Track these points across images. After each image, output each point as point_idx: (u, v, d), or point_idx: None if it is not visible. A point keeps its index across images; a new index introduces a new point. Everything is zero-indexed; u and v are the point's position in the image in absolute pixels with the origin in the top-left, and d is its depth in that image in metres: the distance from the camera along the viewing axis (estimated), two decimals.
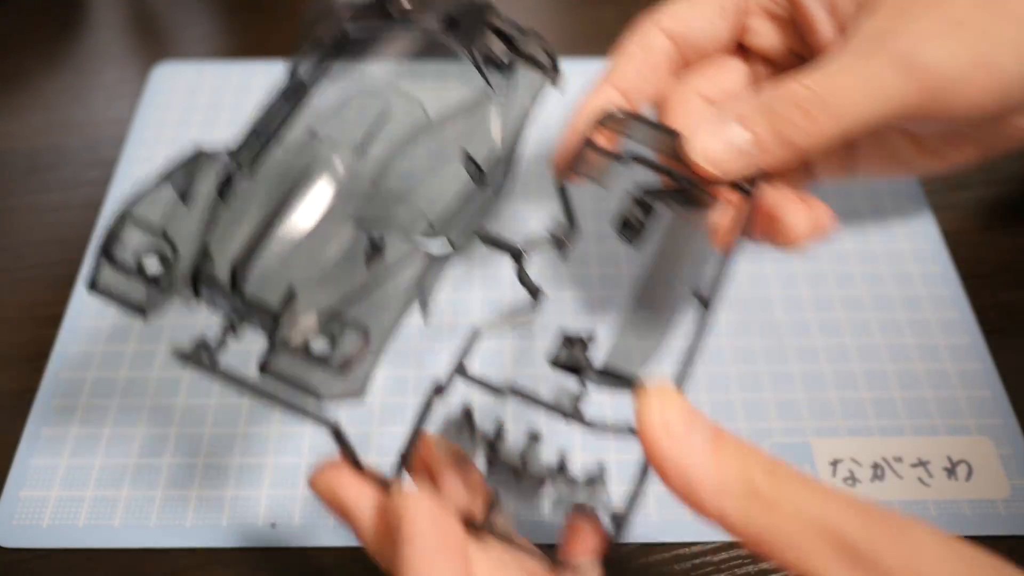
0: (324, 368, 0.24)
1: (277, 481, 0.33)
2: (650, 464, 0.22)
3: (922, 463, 0.34)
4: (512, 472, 0.25)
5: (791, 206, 0.30)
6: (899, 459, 0.34)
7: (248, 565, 0.32)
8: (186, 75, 0.48)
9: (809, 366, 0.37)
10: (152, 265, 0.26)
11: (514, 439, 0.26)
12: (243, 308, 0.25)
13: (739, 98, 0.32)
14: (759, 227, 0.30)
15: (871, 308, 0.39)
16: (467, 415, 0.26)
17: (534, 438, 0.26)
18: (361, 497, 0.25)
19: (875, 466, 0.34)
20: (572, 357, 0.26)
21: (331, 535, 0.32)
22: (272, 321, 0.25)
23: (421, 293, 0.27)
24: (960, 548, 0.21)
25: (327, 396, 0.24)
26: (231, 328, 0.26)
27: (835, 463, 0.34)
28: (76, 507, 0.33)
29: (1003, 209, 0.43)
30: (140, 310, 0.26)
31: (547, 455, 0.26)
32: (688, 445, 0.22)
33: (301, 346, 0.24)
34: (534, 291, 0.28)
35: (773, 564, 0.31)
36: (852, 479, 0.34)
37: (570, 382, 0.26)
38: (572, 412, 0.25)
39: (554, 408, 0.25)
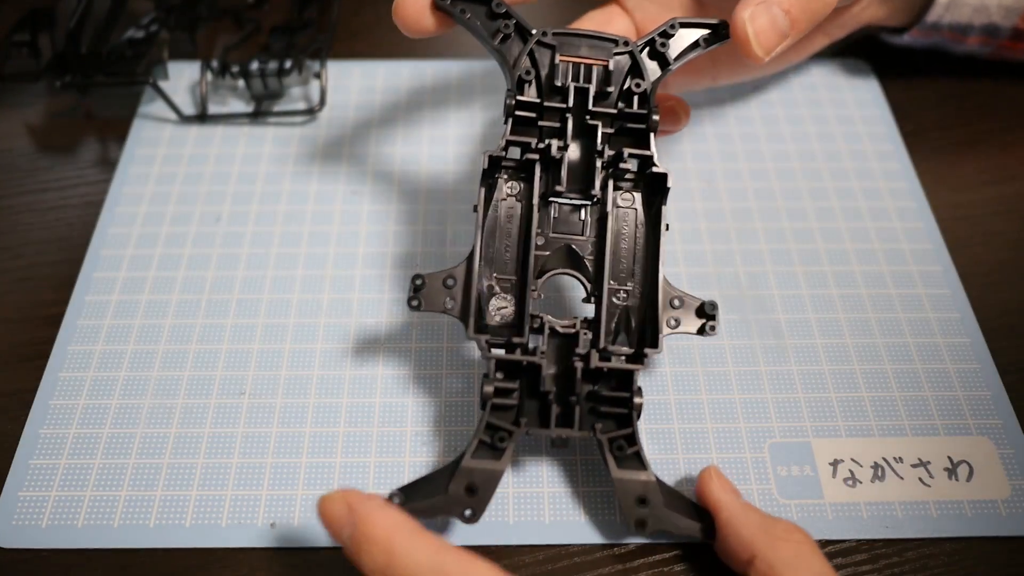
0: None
1: (277, 481, 0.33)
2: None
3: (923, 463, 0.34)
4: None
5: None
6: (899, 459, 0.34)
7: (247, 565, 0.32)
8: (186, 75, 0.49)
9: (809, 366, 0.37)
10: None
11: None
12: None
13: None
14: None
15: (871, 308, 0.39)
16: None
17: None
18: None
19: (875, 466, 0.34)
20: None
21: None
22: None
23: None
24: None
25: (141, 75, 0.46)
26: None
27: (835, 463, 0.34)
28: (75, 507, 0.33)
29: (1003, 206, 0.43)
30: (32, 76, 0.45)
31: None
32: None
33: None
34: None
35: None
36: (853, 479, 0.33)
37: None
38: None
39: None
